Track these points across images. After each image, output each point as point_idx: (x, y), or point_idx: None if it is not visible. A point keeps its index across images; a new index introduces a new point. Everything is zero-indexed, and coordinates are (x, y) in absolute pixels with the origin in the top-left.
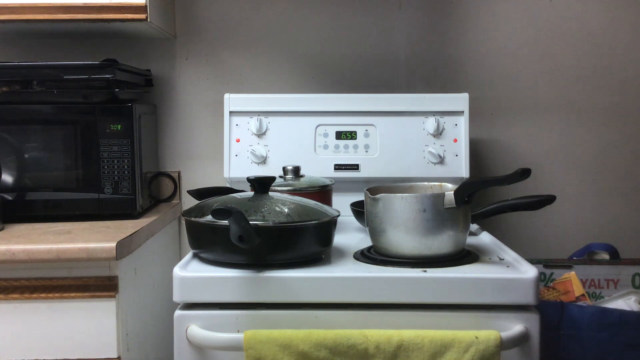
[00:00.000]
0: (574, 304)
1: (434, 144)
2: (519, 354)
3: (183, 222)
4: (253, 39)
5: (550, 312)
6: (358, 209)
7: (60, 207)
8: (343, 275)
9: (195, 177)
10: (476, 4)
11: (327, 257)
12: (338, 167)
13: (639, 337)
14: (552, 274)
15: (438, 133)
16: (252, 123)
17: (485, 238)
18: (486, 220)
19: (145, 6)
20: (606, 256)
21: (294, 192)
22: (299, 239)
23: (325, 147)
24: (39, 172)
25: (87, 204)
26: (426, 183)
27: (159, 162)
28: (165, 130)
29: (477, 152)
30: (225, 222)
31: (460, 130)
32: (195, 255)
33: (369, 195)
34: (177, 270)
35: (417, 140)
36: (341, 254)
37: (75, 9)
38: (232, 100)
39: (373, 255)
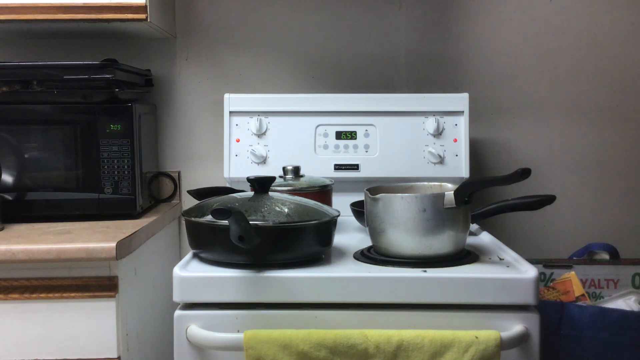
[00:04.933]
0: (574, 304)
1: (434, 144)
2: (519, 354)
3: (183, 222)
4: (253, 39)
5: (550, 312)
6: (358, 209)
7: (60, 207)
8: (343, 275)
9: (195, 177)
10: (476, 4)
11: (327, 257)
12: (338, 167)
13: (639, 337)
14: (552, 274)
15: (438, 133)
16: (252, 123)
17: (485, 238)
18: (486, 220)
19: (145, 6)
20: (606, 256)
21: (294, 192)
22: (299, 239)
23: (325, 147)
24: (39, 172)
25: (87, 204)
26: (426, 183)
27: (159, 162)
28: (165, 130)
29: (477, 152)
30: (225, 222)
31: (460, 130)
32: (195, 255)
33: (369, 195)
34: (177, 270)
35: (417, 140)
36: (341, 254)
37: (75, 9)
38: (232, 100)
39: (373, 255)
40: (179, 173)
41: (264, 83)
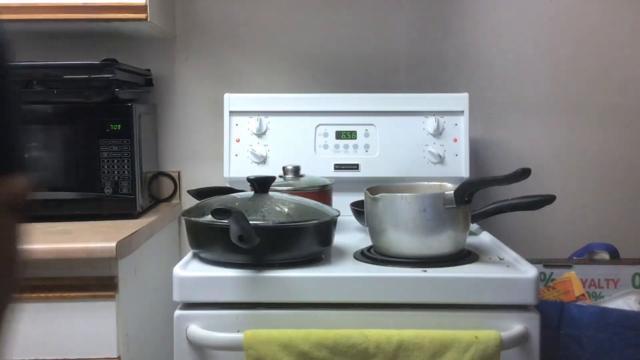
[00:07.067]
0: (574, 304)
1: (434, 143)
2: (519, 354)
3: (183, 222)
4: (253, 39)
5: (550, 312)
6: (358, 209)
7: (60, 207)
8: (343, 275)
9: (195, 177)
10: (477, 4)
11: (327, 257)
12: (338, 167)
13: (639, 337)
14: (552, 273)
15: (438, 133)
16: (252, 123)
17: (485, 238)
18: (486, 220)
19: (145, 6)
20: (606, 256)
21: (294, 191)
22: (299, 239)
23: (325, 147)
24: (39, 172)
25: (87, 204)
26: (426, 183)
27: (159, 162)
28: (165, 130)
29: (477, 152)
30: (225, 222)
31: (460, 130)
32: (195, 255)
33: (369, 195)
34: (177, 270)
35: (417, 140)
36: (341, 254)
37: (75, 9)
38: (232, 100)
39: (373, 255)
40: (179, 173)
41: (264, 83)
